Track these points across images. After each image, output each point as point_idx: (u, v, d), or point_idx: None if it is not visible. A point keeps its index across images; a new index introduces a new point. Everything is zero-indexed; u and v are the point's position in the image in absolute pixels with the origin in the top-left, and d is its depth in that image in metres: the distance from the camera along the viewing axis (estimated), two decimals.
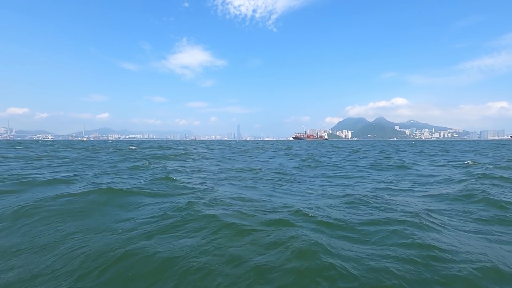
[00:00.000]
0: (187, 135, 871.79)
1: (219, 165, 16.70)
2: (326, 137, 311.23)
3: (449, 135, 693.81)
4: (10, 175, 10.73)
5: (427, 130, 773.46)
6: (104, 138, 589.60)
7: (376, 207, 6.38)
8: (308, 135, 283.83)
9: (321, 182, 10.82)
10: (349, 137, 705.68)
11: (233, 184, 9.78)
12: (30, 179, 9.91)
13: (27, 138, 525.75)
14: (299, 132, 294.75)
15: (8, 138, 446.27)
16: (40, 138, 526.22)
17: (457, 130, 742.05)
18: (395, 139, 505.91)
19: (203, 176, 11.84)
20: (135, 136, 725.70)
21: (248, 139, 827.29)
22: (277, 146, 57.77)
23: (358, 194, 7.53)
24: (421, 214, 5.64)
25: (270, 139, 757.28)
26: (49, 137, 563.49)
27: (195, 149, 39.59)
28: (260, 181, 10.58)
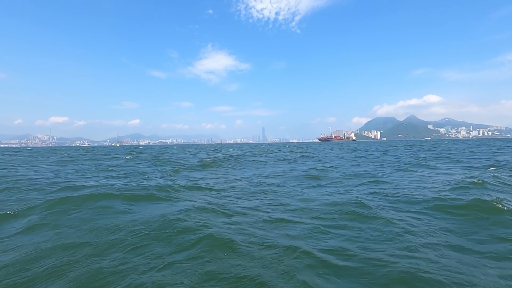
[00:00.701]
0: (213, 139, 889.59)
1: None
2: (354, 138, 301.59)
3: (490, 133, 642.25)
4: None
5: (464, 128, 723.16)
6: (135, 143, 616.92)
7: None
8: (334, 136, 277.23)
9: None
10: (378, 137, 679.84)
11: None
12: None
13: (66, 144, 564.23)
14: (325, 134, 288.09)
15: (50, 145, 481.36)
16: (78, 144, 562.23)
17: (499, 128, 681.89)
18: (429, 138, 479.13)
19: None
20: (163, 141, 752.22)
21: (273, 141, 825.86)
22: (287, 148, 57.20)
23: None
24: None
25: (296, 141, 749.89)
26: (86, 143, 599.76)
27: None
28: None
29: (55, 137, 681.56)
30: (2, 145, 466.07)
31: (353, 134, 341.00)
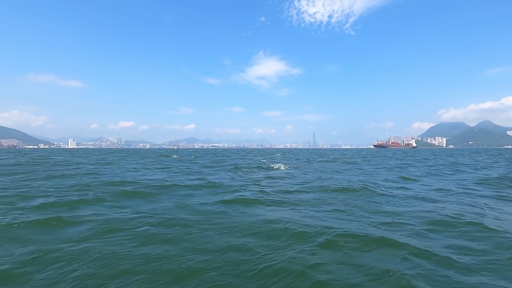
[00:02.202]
0: (263, 143, 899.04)
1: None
2: (414, 144, 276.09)
3: None
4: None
5: None
6: (191, 146, 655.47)
7: None
8: (392, 143, 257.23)
9: None
10: (444, 145, 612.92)
11: None
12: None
13: (132, 146, 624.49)
14: (381, 140, 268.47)
15: (119, 147, 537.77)
16: (141, 146, 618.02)
17: None
18: (510, 146, 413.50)
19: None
20: (216, 145, 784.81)
21: (324, 147, 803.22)
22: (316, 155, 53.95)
23: None
24: None
25: (348, 147, 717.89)
26: (147, 146, 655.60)
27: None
28: None
29: (122, 140, 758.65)
30: (82, 146, 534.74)
31: (413, 140, 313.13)
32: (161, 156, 44.98)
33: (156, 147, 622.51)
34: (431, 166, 24.32)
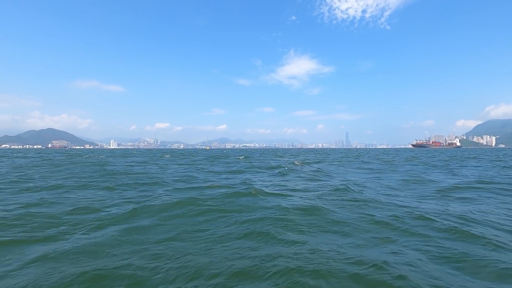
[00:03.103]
0: (294, 144, 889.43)
1: None
2: (458, 144, 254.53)
3: None
4: None
5: None
6: (222, 146, 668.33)
7: None
8: (432, 142, 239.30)
9: None
10: (493, 144, 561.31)
11: None
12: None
13: (167, 147, 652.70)
14: (420, 139, 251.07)
15: (155, 147, 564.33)
16: (176, 147, 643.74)
17: None
18: None
19: None
20: (247, 145, 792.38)
21: (358, 147, 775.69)
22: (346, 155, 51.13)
23: None
24: None
25: (384, 146, 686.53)
26: (181, 146, 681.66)
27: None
28: None
29: (158, 140, 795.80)
30: (121, 147, 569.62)
31: (457, 139, 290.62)
32: (228, 157, 45.93)
33: (190, 147, 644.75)
34: None
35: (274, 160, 34.28)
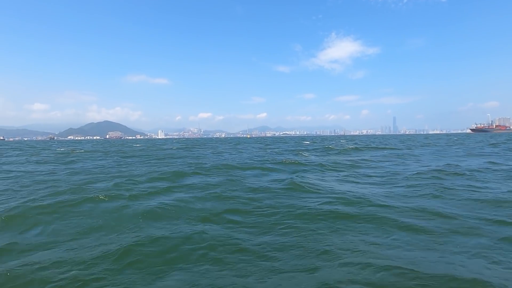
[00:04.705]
0: (336, 130, 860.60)
1: None
2: None
3: None
4: None
5: None
6: (263, 135, 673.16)
7: None
8: (496, 126, 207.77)
9: None
10: None
11: None
12: None
13: (210, 136, 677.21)
14: (481, 123, 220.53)
15: (198, 137, 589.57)
16: (218, 135, 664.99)
17: None
18: None
19: None
20: (287, 133, 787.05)
21: (407, 132, 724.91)
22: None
23: None
24: None
25: (438, 132, 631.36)
26: (223, 135, 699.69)
27: None
28: None
29: (202, 130, 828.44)
30: (168, 136, 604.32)
31: None
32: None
33: (231, 136, 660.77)
34: None
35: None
